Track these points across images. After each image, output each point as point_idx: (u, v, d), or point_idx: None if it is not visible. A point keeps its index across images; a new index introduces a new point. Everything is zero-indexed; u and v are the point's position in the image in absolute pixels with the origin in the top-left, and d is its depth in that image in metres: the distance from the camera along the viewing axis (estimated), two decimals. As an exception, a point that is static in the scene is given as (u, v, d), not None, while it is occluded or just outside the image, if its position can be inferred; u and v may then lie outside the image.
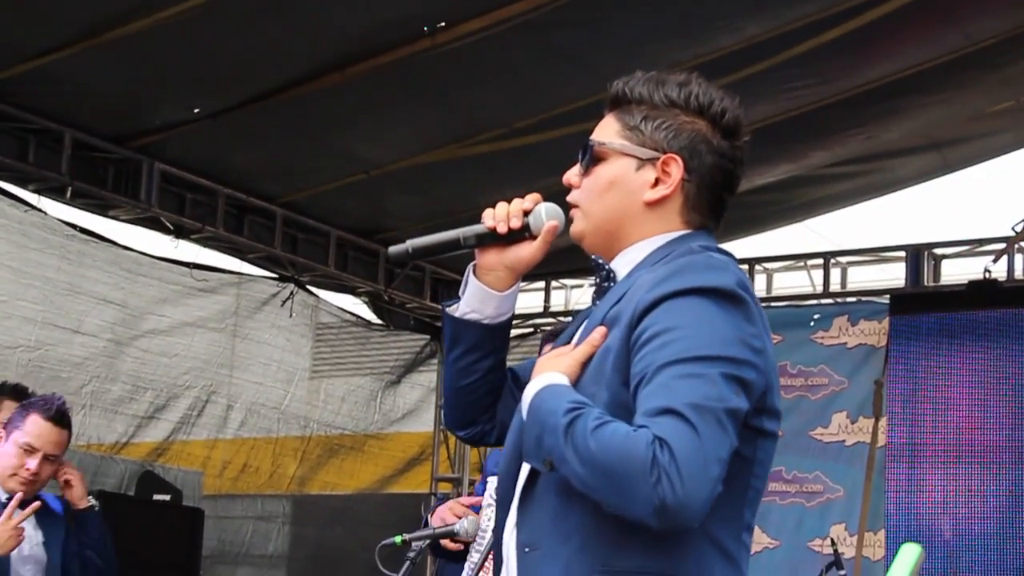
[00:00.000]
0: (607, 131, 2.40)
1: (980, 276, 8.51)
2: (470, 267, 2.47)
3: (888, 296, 9.09)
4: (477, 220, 9.04)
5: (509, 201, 2.49)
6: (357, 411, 10.25)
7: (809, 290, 9.53)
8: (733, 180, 2.44)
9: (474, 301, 2.45)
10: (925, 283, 9.02)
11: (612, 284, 2.36)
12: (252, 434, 9.44)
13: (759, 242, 10.21)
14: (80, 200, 8.21)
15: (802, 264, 9.60)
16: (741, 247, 10.09)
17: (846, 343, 9.11)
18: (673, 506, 1.99)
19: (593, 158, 2.38)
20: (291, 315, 9.63)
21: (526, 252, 2.43)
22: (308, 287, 9.82)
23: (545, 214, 2.40)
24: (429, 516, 3.91)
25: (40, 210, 8.03)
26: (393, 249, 2.29)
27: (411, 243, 2.33)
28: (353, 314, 10.36)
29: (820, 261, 9.45)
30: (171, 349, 8.84)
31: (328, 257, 9.51)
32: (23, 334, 7.92)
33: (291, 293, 9.61)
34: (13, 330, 7.87)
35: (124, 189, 8.21)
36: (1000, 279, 8.48)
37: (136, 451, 8.84)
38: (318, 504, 10.32)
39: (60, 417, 4.90)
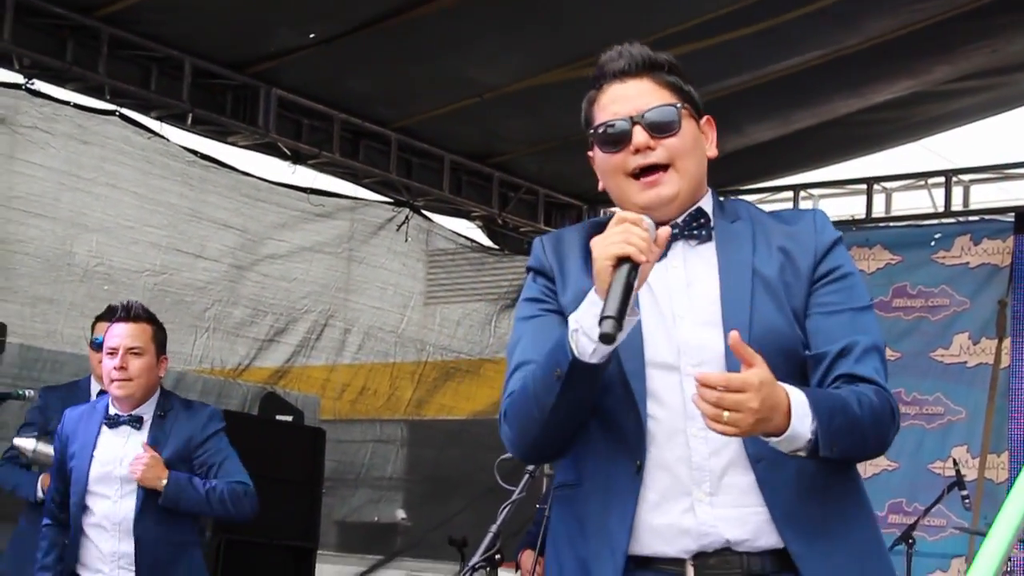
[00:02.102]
0: (666, 96, 2.58)
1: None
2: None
3: (1013, 214, 8.91)
4: (588, 144, 8.96)
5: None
6: (472, 335, 10.32)
7: (930, 209, 9.37)
8: None
9: (622, 335, 2.34)
10: (1050, 201, 8.83)
11: (701, 231, 2.55)
12: (369, 358, 9.55)
13: (875, 162, 10.07)
14: (200, 127, 8.32)
15: (922, 183, 9.44)
16: (858, 167, 9.96)
17: (968, 263, 8.96)
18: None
19: (673, 122, 2.54)
20: (406, 239, 9.70)
21: (648, 268, 2.39)
22: (423, 211, 9.88)
23: (651, 229, 2.39)
24: None
25: (163, 137, 8.15)
26: (607, 331, 2.24)
27: (612, 314, 2.24)
28: (467, 238, 10.41)
29: (941, 179, 9.27)
30: (290, 273, 8.95)
31: (442, 181, 9.56)
32: (148, 259, 8.07)
33: (406, 217, 9.68)
34: (139, 255, 8.02)
35: (242, 115, 8.31)
36: None
37: (257, 375, 9.00)
38: (434, 427, 10.43)
39: (126, 313, 4.97)
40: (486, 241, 10.53)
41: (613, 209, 2.57)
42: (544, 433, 2.41)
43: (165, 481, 4.74)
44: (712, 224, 2.56)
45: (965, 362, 8.84)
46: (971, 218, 9.18)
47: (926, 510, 6.88)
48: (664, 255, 2.48)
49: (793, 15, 7.82)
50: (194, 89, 7.97)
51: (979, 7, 7.82)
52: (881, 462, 8.77)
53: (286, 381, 9.22)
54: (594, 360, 2.34)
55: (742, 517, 2.40)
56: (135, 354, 4.89)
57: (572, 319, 2.36)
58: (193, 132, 8.33)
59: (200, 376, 8.53)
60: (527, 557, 5.34)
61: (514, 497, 3.42)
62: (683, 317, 2.46)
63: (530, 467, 3.54)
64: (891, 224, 9.45)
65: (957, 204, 9.25)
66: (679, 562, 2.41)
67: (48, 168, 7.51)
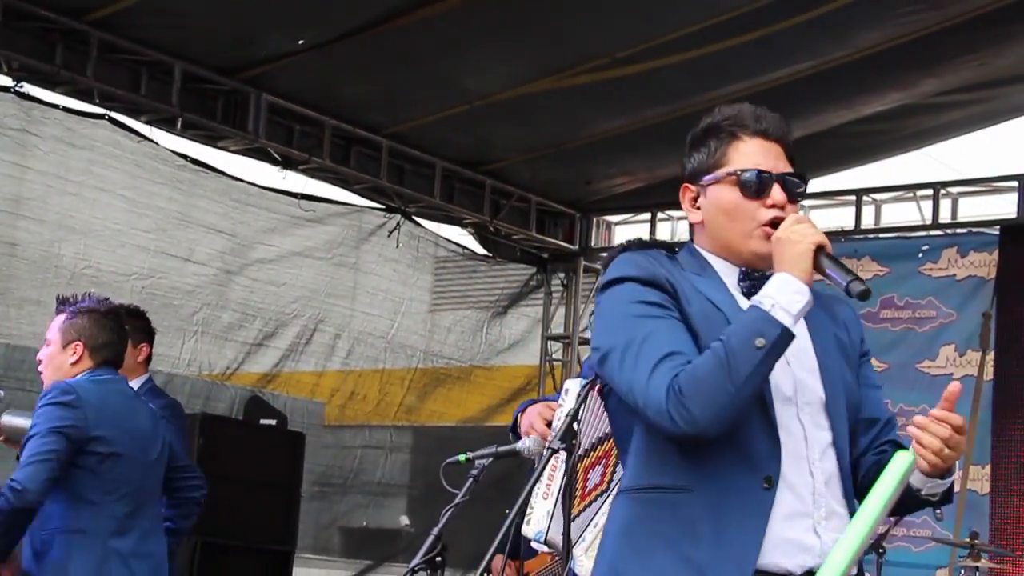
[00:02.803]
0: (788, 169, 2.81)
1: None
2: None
3: (999, 227, 8.93)
4: (584, 151, 9.02)
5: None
6: (464, 342, 10.35)
7: (918, 221, 9.40)
8: None
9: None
10: (1038, 214, 8.84)
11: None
12: (359, 364, 9.59)
13: (873, 170, 10.08)
14: (190, 131, 8.37)
15: (911, 195, 9.46)
16: (846, 178, 9.99)
17: (955, 275, 8.98)
18: None
19: (803, 190, 2.83)
20: (398, 246, 9.74)
21: None
22: (414, 218, 9.91)
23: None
24: (519, 415, 3.97)
25: (152, 141, 8.20)
26: (863, 289, 2.61)
27: (857, 284, 2.60)
28: (459, 245, 10.44)
29: (929, 192, 9.29)
30: (279, 278, 8.99)
31: (434, 188, 9.59)
32: (137, 262, 8.12)
33: (397, 224, 9.71)
34: (127, 258, 8.07)
35: (233, 120, 8.35)
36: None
37: (246, 379, 9.04)
38: (425, 433, 10.45)
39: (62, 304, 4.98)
40: (478, 248, 10.56)
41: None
42: (732, 405, 2.54)
43: None
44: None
45: (951, 374, 8.85)
46: (959, 230, 9.21)
47: (896, 521, 6.90)
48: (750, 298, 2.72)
49: (783, 25, 7.86)
50: (184, 94, 8.02)
51: (966, 21, 7.85)
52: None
53: (275, 385, 9.26)
54: (795, 331, 2.60)
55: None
56: (45, 345, 4.94)
57: (764, 297, 2.59)
58: (183, 137, 8.38)
59: (188, 379, 8.57)
60: (498, 561, 5.34)
61: (457, 500, 3.46)
62: (793, 359, 2.69)
63: (474, 471, 3.57)
64: (880, 236, 9.47)
65: (945, 216, 9.27)
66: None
67: (36, 171, 7.57)
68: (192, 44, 7.93)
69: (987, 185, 9.34)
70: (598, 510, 3.66)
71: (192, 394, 8.51)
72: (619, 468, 3.65)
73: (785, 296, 2.58)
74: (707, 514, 2.58)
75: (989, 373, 8.67)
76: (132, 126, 8.08)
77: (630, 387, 2.60)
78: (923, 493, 2.67)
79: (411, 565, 3.32)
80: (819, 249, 2.61)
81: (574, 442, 3.34)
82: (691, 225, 2.86)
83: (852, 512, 2.68)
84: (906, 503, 2.74)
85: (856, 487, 2.74)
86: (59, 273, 7.59)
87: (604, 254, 10.99)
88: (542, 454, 3.42)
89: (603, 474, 3.70)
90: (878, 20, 7.96)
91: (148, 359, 5.86)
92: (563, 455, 3.40)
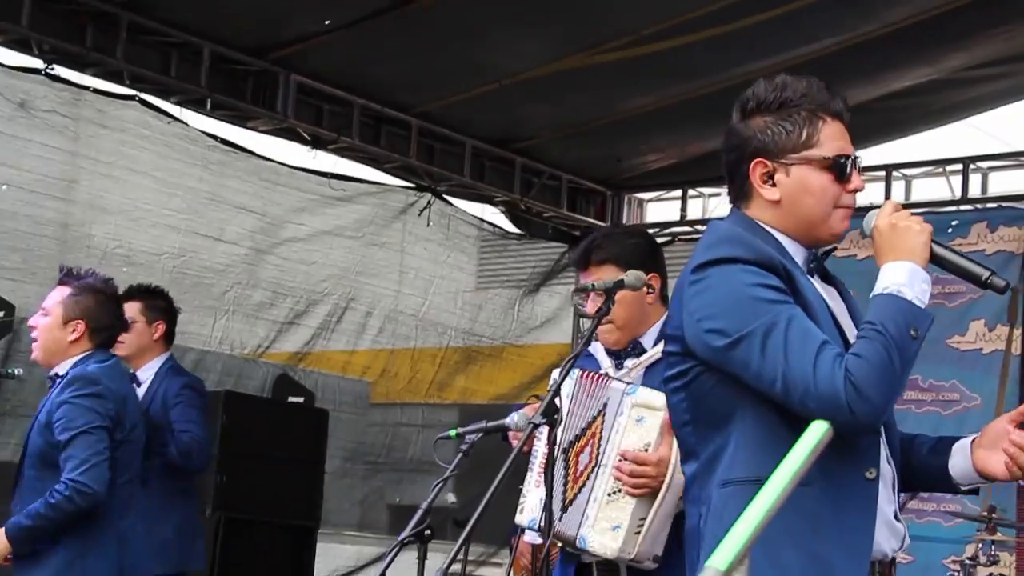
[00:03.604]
0: None
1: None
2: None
3: (1028, 201, 8.90)
4: (614, 128, 9.02)
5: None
6: (495, 319, 10.40)
7: (948, 196, 9.36)
8: None
9: None
10: (1068, 187, 8.81)
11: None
12: (390, 342, 9.66)
13: (907, 144, 10.03)
14: (220, 112, 8.46)
15: (940, 170, 9.42)
16: (880, 152, 9.95)
17: (984, 250, 8.94)
18: None
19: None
20: (428, 224, 9.80)
21: None
22: (444, 196, 9.97)
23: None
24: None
25: (182, 121, 8.29)
26: (1003, 283, 2.76)
27: (997, 278, 2.71)
28: (490, 223, 10.49)
29: (959, 167, 9.25)
30: (310, 257, 9.08)
31: (464, 166, 9.64)
32: (168, 242, 8.22)
33: (428, 202, 9.77)
34: (159, 238, 8.17)
35: (262, 101, 8.44)
36: None
37: (277, 357, 9.13)
38: (467, 411, 10.49)
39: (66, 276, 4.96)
40: (509, 226, 10.60)
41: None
42: (899, 394, 2.62)
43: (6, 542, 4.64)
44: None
45: (981, 349, 8.83)
46: (988, 205, 9.16)
47: (910, 496, 6.91)
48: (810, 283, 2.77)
49: (809, 1, 7.83)
50: (213, 75, 8.10)
51: (994, -7, 7.81)
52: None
53: (307, 363, 9.35)
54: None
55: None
56: (42, 314, 4.90)
57: (903, 288, 2.63)
58: (213, 117, 8.47)
59: (220, 357, 8.67)
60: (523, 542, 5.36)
61: (446, 475, 3.50)
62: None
63: (464, 446, 3.62)
64: (911, 211, 9.41)
65: (975, 191, 9.23)
66: (879, 562, 2.71)
67: (67, 152, 7.67)
68: (221, 25, 8.01)
69: (1017, 159, 9.29)
70: (593, 485, 3.71)
71: (224, 372, 8.61)
72: (605, 444, 3.71)
73: (918, 286, 2.63)
74: (827, 509, 2.58)
75: (1018, 347, 8.64)
76: (162, 107, 8.18)
77: (781, 375, 2.55)
78: (963, 487, 2.75)
79: (400, 538, 3.36)
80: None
81: (556, 416, 3.37)
82: (746, 199, 2.80)
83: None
84: (933, 484, 2.81)
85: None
86: (91, 253, 7.70)
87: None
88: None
89: (591, 454, 3.74)
90: (906, -6, 7.94)
91: (165, 336, 5.93)
92: (546, 431, 3.43)
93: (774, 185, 2.76)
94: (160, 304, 5.92)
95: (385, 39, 8.19)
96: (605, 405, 3.76)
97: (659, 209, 11.04)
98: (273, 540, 7.56)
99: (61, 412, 4.65)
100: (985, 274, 2.64)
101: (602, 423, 3.74)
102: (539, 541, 3.85)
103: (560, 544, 3.82)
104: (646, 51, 8.41)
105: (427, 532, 3.49)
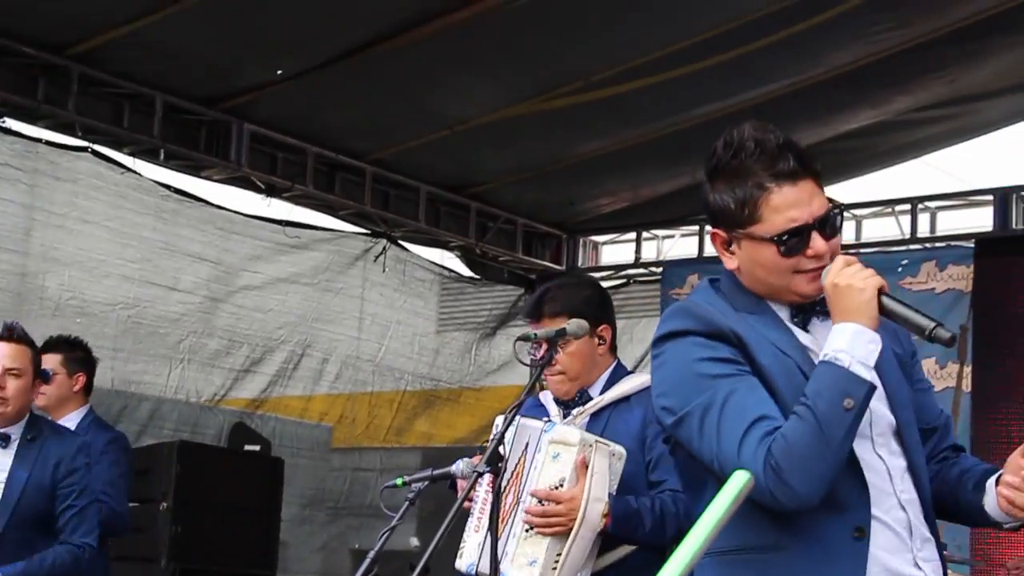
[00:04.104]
0: (823, 195, 2.77)
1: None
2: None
3: (974, 240, 9.01)
4: (567, 173, 9.12)
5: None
6: (452, 364, 10.44)
7: (898, 235, 9.49)
8: None
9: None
10: (1014, 226, 8.92)
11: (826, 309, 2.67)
12: (347, 387, 9.69)
13: (857, 184, 10.15)
14: (173, 161, 8.50)
15: (890, 210, 9.55)
16: (830, 194, 10.05)
17: (934, 288, 9.05)
18: None
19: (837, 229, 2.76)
20: (384, 270, 9.84)
21: None
22: (400, 242, 10.02)
23: None
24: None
25: (135, 172, 8.32)
26: (950, 335, 2.60)
27: (942, 330, 2.57)
28: (446, 268, 10.54)
29: (908, 206, 9.38)
30: (265, 304, 9.10)
31: (419, 212, 9.70)
32: (122, 292, 8.23)
33: (383, 248, 9.82)
34: (112, 288, 8.18)
35: (215, 150, 8.48)
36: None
37: (235, 403, 9.14)
38: (415, 455, 10.52)
39: (8, 333, 4.95)
40: (465, 271, 10.66)
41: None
42: (831, 471, 2.49)
43: None
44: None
45: (933, 387, 8.90)
46: (937, 244, 9.28)
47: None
48: (807, 329, 2.70)
49: (756, 46, 7.96)
50: (166, 125, 8.14)
51: (936, 38, 7.95)
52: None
53: (265, 409, 9.35)
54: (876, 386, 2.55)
55: (937, 569, 2.67)
56: (14, 375, 4.91)
57: (839, 353, 2.51)
58: (166, 167, 8.50)
59: (176, 406, 8.67)
60: None
61: (393, 523, 3.55)
62: None
63: (410, 495, 3.67)
64: (861, 251, 9.56)
65: (924, 230, 9.36)
66: None
67: (19, 204, 7.69)
68: (172, 76, 8.05)
69: (964, 199, 9.43)
70: (513, 522, 3.78)
71: (180, 421, 8.62)
72: (524, 481, 3.79)
73: (861, 349, 2.50)
74: (807, 570, 2.53)
75: (968, 384, 8.74)
76: (115, 158, 8.21)
77: (715, 457, 2.52)
78: (1005, 526, 2.70)
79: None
80: (880, 292, 2.56)
81: (500, 465, 3.44)
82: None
83: (936, 535, 2.68)
84: (977, 521, 2.73)
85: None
86: (44, 305, 7.71)
87: (592, 275, 11.11)
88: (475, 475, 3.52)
89: (514, 493, 3.82)
90: (850, 39, 8.06)
91: (85, 388, 5.94)
92: (488, 478, 3.49)
93: (732, 253, 2.71)
94: (80, 356, 5.95)
95: (337, 87, 8.26)
96: (527, 445, 3.85)
97: (614, 251, 11.12)
98: (231, 589, 7.56)
99: (78, 479, 4.83)
100: (930, 327, 2.53)
101: (524, 462, 3.83)
102: None
103: None
104: (597, 96, 8.52)
105: (373, 581, 3.53)
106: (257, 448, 8.14)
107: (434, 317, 10.50)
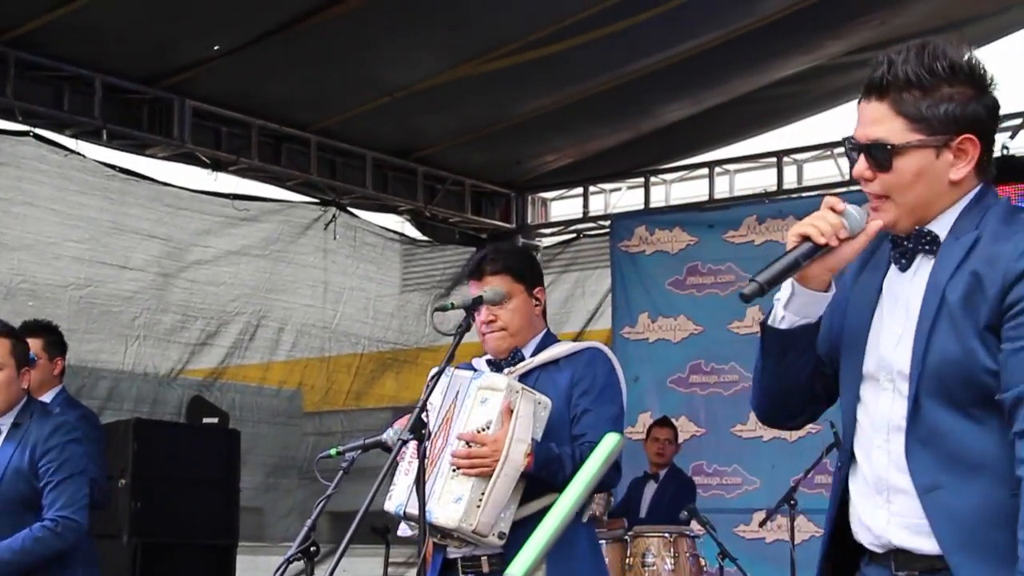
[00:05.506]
0: (893, 127, 2.52)
1: (998, 153, 8.50)
2: (792, 281, 2.57)
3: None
4: (511, 132, 9.22)
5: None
6: (408, 326, 10.55)
7: (838, 178, 9.62)
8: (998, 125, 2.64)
9: (805, 309, 2.60)
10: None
11: (933, 246, 2.56)
12: (304, 354, 9.79)
13: (796, 129, 10.28)
14: (117, 141, 8.55)
15: (829, 153, 9.69)
16: (769, 139, 10.21)
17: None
18: None
19: (890, 155, 2.52)
20: (335, 237, 9.93)
21: (848, 252, 2.56)
22: (349, 209, 10.10)
23: (857, 215, 2.56)
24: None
25: (79, 153, 8.37)
26: (746, 291, 2.49)
27: (761, 279, 2.49)
28: (397, 232, 10.64)
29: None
30: (218, 278, 9.18)
31: (366, 179, 9.79)
32: (72, 273, 8.30)
33: (333, 216, 9.90)
34: (62, 269, 8.25)
35: (158, 128, 8.54)
36: (1017, 154, 8.52)
37: (193, 375, 9.23)
38: (375, 417, 10.65)
39: None
40: (416, 234, 10.76)
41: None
42: (762, 393, 2.68)
43: None
44: (941, 241, 2.58)
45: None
46: (876, 185, 9.39)
47: (805, 473, 7.16)
48: (908, 267, 2.59)
49: (688, -1, 8.05)
50: (107, 105, 8.19)
51: (863, -19, 8.07)
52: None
53: (225, 378, 9.44)
54: (782, 326, 2.60)
55: (913, 527, 2.54)
56: None
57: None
58: (110, 147, 8.55)
59: (135, 383, 8.76)
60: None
61: (329, 492, 3.65)
62: (893, 332, 2.58)
63: (344, 464, 3.77)
64: (803, 195, 9.71)
65: (863, 172, 9.46)
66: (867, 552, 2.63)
67: (-37, 192, 7.74)
68: (111, 56, 8.09)
69: (901, 139, 9.54)
70: (441, 463, 3.93)
71: (139, 399, 8.70)
72: (453, 425, 3.95)
73: (785, 291, 2.60)
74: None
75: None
76: (57, 140, 8.24)
77: None
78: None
79: (286, 556, 3.52)
80: (807, 240, 2.52)
81: (424, 431, 3.57)
82: None
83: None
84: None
85: None
86: (-6, 290, 7.78)
87: (543, 230, 11.24)
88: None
89: (444, 438, 3.98)
90: (778, -14, 8.17)
91: (62, 372, 6.06)
92: (414, 444, 3.62)
93: None
94: (58, 340, 6.05)
95: (277, 59, 8.31)
96: (457, 393, 4.00)
97: (562, 207, 11.24)
98: (192, 562, 7.67)
99: (54, 456, 4.89)
100: (798, 261, 2.49)
101: (454, 409, 3.97)
102: (410, 533, 4.05)
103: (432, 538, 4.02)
104: (535, 56, 8.60)
105: (312, 549, 3.64)
106: (215, 420, 8.25)
107: (389, 281, 10.58)
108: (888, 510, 2.54)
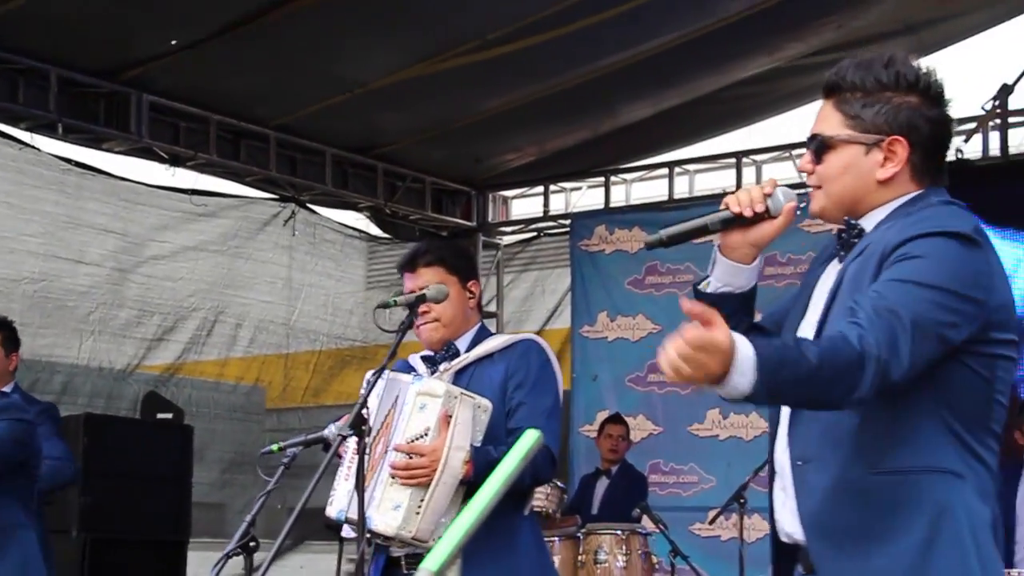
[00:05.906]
0: (831, 122, 2.68)
1: (953, 157, 8.57)
2: (716, 247, 2.71)
3: (870, 180, 9.18)
4: (470, 130, 9.27)
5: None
6: (366, 323, 10.51)
7: (797, 179, 9.65)
8: (949, 139, 2.73)
9: (726, 276, 2.72)
10: (907, 165, 9.09)
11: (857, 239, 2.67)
12: (262, 350, 9.77)
13: (756, 130, 10.29)
14: (73, 135, 8.50)
15: (787, 155, 9.73)
16: (729, 140, 10.23)
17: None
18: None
19: (824, 148, 2.69)
20: (294, 234, 9.91)
21: (768, 230, 2.71)
22: (309, 206, 10.08)
23: (783, 196, 2.72)
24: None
25: (34, 147, 8.32)
26: (648, 240, 2.63)
27: (664, 232, 2.62)
28: (356, 229, 10.61)
29: (804, 151, 9.51)
30: (175, 273, 9.15)
31: (326, 175, 9.76)
32: (27, 267, 8.26)
33: (292, 212, 9.88)
34: (16, 263, 8.21)
35: (115, 122, 8.48)
36: (972, 159, 8.58)
37: (149, 371, 9.19)
38: (333, 414, 10.63)
39: None
40: (376, 231, 10.74)
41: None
42: None
43: None
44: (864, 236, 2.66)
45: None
46: (834, 186, 9.43)
47: (755, 472, 7.18)
48: (845, 259, 2.66)
49: (647, -1, 8.07)
50: (63, 99, 8.13)
51: (821, -16, 8.10)
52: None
53: (182, 373, 9.41)
54: (707, 290, 2.72)
55: (793, 511, 2.58)
56: None
57: None
58: (66, 141, 8.50)
59: (89, 377, 8.72)
60: None
61: (269, 487, 3.64)
62: (810, 321, 2.64)
63: (285, 459, 3.77)
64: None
65: (821, 173, 9.50)
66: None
67: (-84, 184, 7.68)
68: (67, 50, 8.04)
69: (858, 141, 9.59)
70: (381, 470, 3.92)
71: (93, 393, 8.67)
72: (393, 431, 3.94)
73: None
74: None
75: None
76: (12, 134, 8.19)
77: None
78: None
79: (225, 551, 3.51)
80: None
81: (364, 428, 3.57)
82: None
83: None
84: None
85: None
86: (-53, 283, 7.73)
87: (503, 228, 11.24)
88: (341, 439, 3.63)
89: (383, 443, 3.96)
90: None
91: (15, 367, 6.06)
92: (354, 441, 3.62)
93: None
94: (13, 336, 6.05)
95: (236, 54, 8.28)
96: (396, 398, 3.99)
97: (523, 205, 11.25)
98: (143, 557, 7.65)
99: None
100: (707, 223, 2.61)
101: (394, 414, 3.97)
102: (353, 535, 4.05)
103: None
104: (495, 54, 8.60)
105: (252, 544, 3.63)
106: (169, 416, 8.22)
107: (349, 278, 10.55)
108: (786, 495, 2.58)
